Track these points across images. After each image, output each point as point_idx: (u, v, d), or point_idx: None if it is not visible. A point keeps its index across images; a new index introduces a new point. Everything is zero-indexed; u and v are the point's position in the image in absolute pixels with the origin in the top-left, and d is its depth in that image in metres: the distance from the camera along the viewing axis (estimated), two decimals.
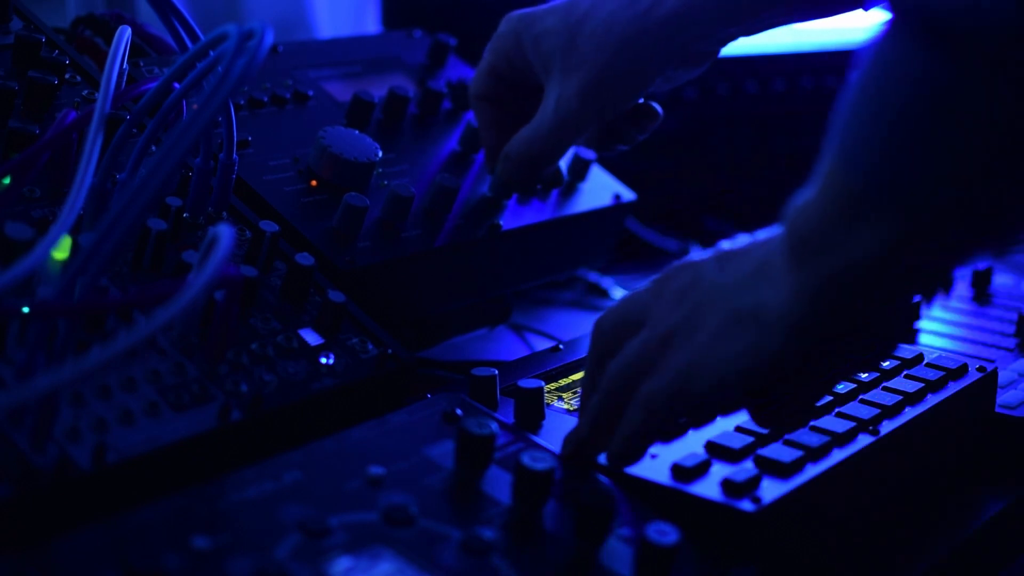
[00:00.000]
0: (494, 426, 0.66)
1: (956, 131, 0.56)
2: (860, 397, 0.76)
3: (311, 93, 0.97)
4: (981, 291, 1.06)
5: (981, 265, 1.07)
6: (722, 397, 0.67)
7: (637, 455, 0.68)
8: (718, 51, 0.90)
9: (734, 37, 0.87)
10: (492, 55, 0.92)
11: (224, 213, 0.80)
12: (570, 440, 0.69)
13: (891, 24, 0.58)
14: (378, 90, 0.99)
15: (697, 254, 0.69)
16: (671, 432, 0.70)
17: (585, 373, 0.72)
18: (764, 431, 0.70)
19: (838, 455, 0.69)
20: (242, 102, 0.93)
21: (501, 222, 0.94)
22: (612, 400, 0.67)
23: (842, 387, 0.77)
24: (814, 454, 0.69)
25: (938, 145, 0.57)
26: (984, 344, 0.94)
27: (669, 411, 0.66)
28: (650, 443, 0.68)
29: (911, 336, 0.96)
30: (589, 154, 1.03)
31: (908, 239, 0.59)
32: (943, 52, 0.56)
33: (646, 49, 0.85)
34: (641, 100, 0.92)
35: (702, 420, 0.71)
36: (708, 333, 0.65)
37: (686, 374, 0.65)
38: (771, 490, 0.65)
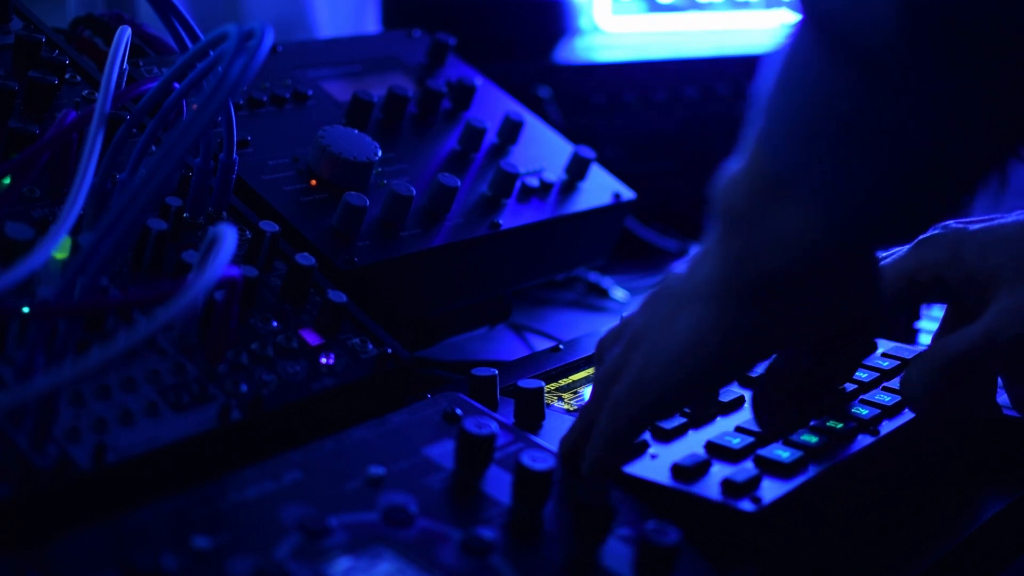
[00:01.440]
0: (494, 426, 0.66)
1: (859, 133, 0.57)
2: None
3: (310, 93, 0.97)
4: None
5: None
6: (680, 387, 0.65)
7: (609, 462, 0.67)
8: None
9: None
10: (913, 264, 0.78)
11: (224, 213, 0.80)
12: (563, 443, 0.70)
13: (800, 24, 0.58)
14: (377, 90, 0.99)
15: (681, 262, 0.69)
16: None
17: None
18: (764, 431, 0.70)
19: (838, 455, 0.69)
20: (242, 102, 0.93)
21: (501, 221, 0.94)
22: (593, 407, 0.68)
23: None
24: (814, 454, 0.69)
25: (846, 147, 0.58)
26: None
27: (630, 414, 0.66)
28: (623, 449, 0.67)
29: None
30: (589, 153, 1.03)
31: (830, 222, 0.59)
32: (839, 58, 0.56)
33: None
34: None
35: (667, 415, 0.70)
36: (659, 326, 0.65)
37: (641, 372, 0.65)
38: (771, 490, 0.65)
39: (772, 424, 0.70)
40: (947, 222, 0.78)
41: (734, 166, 0.63)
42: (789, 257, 0.61)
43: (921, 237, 0.78)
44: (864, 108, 0.57)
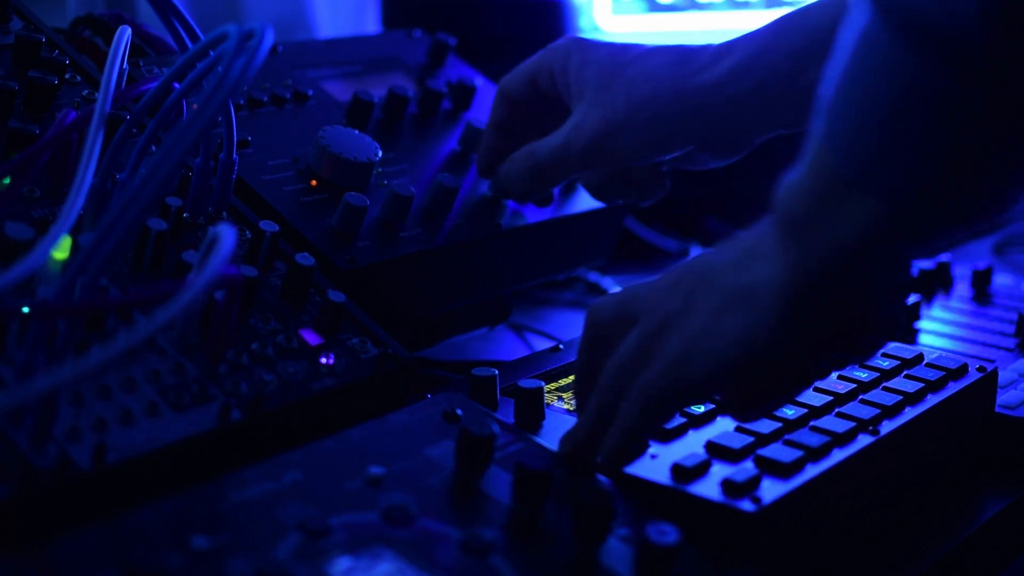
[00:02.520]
0: (494, 426, 0.66)
1: (934, 125, 0.57)
2: (860, 397, 0.76)
3: (311, 93, 0.97)
4: (981, 291, 1.06)
5: (981, 265, 1.07)
6: (718, 383, 0.66)
7: (636, 452, 0.67)
8: (754, 143, 0.86)
9: (773, 128, 0.84)
10: (537, 62, 0.91)
11: (224, 213, 0.80)
12: (567, 440, 0.69)
13: (872, 16, 0.58)
14: (378, 90, 0.99)
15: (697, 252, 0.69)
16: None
17: (578, 361, 0.71)
18: (765, 431, 0.70)
19: (838, 455, 0.70)
20: (242, 102, 0.93)
21: (501, 222, 0.94)
22: (610, 397, 0.67)
23: (842, 387, 0.77)
24: (814, 454, 0.69)
25: (919, 137, 0.58)
26: (984, 344, 0.94)
27: (665, 401, 0.65)
28: (647, 438, 0.68)
29: (911, 336, 0.97)
30: None
31: (893, 220, 0.60)
32: (918, 49, 0.56)
33: (673, 111, 0.84)
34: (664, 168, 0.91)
35: (701, 402, 0.71)
36: (701, 316, 0.65)
37: (681, 361, 0.65)
38: (771, 490, 0.65)
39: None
40: (579, 35, 0.89)
41: (795, 173, 0.63)
42: (849, 262, 0.61)
43: (552, 43, 0.90)
44: (941, 98, 0.57)
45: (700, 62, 0.84)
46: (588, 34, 0.90)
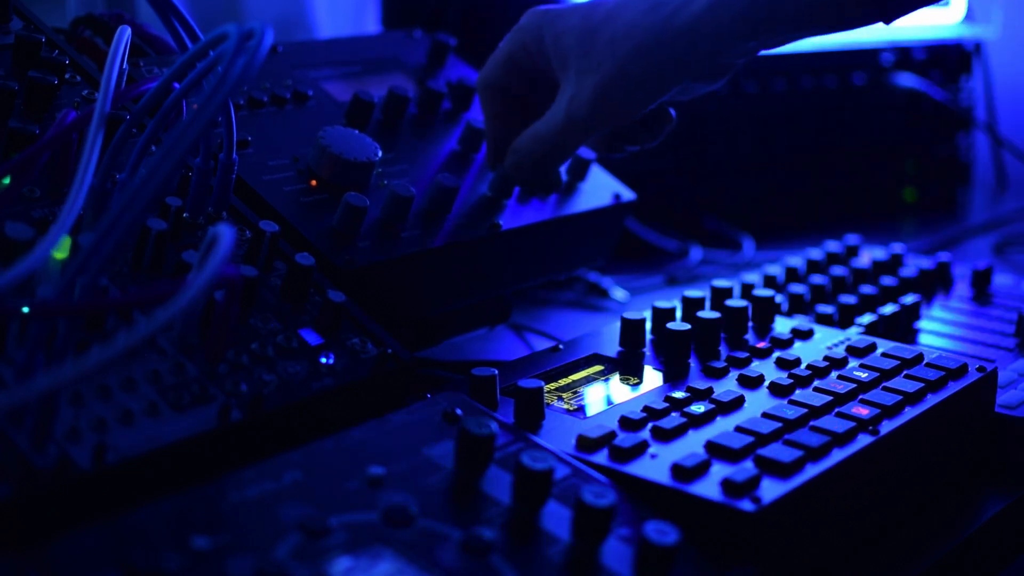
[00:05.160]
0: (494, 426, 0.66)
1: None
2: (860, 397, 0.76)
3: (311, 93, 0.97)
4: (981, 291, 1.06)
5: (981, 265, 1.07)
6: None
7: None
8: (737, 65, 0.89)
9: (754, 52, 0.87)
10: (510, 45, 0.92)
11: (224, 213, 0.80)
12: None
13: None
14: (378, 90, 0.99)
15: None
16: None
17: None
18: (765, 431, 0.70)
19: (838, 455, 0.70)
20: (242, 102, 0.93)
21: (501, 222, 0.94)
22: None
23: (842, 387, 0.77)
24: (814, 454, 0.69)
25: None
26: (984, 344, 0.94)
27: None
28: None
29: (911, 336, 0.97)
30: (589, 154, 1.03)
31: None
32: None
33: (663, 57, 0.85)
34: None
35: None
36: None
37: None
38: (771, 490, 0.65)
39: None
40: (541, 6, 0.91)
41: None
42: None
43: (519, 23, 0.92)
44: None
45: (674, 4, 0.85)
46: (548, 4, 0.91)
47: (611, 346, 0.85)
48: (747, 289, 0.97)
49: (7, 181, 0.71)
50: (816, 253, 1.11)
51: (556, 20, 0.89)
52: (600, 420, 0.74)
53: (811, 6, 0.81)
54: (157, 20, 0.78)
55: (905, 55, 1.56)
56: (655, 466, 0.68)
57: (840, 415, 0.74)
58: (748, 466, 0.67)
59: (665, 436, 0.71)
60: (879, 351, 0.84)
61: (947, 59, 1.61)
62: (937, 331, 0.97)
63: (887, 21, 0.82)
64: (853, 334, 0.88)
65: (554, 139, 0.89)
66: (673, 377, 0.80)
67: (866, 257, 1.11)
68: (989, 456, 0.83)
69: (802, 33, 0.85)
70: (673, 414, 0.73)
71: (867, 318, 0.96)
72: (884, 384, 0.78)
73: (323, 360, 0.73)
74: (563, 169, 1.02)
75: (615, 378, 0.81)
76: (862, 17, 0.83)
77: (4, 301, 0.61)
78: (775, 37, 0.85)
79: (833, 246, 1.11)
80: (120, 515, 0.56)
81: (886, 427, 0.73)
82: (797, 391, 0.77)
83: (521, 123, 0.92)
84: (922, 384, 0.78)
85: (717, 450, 0.69)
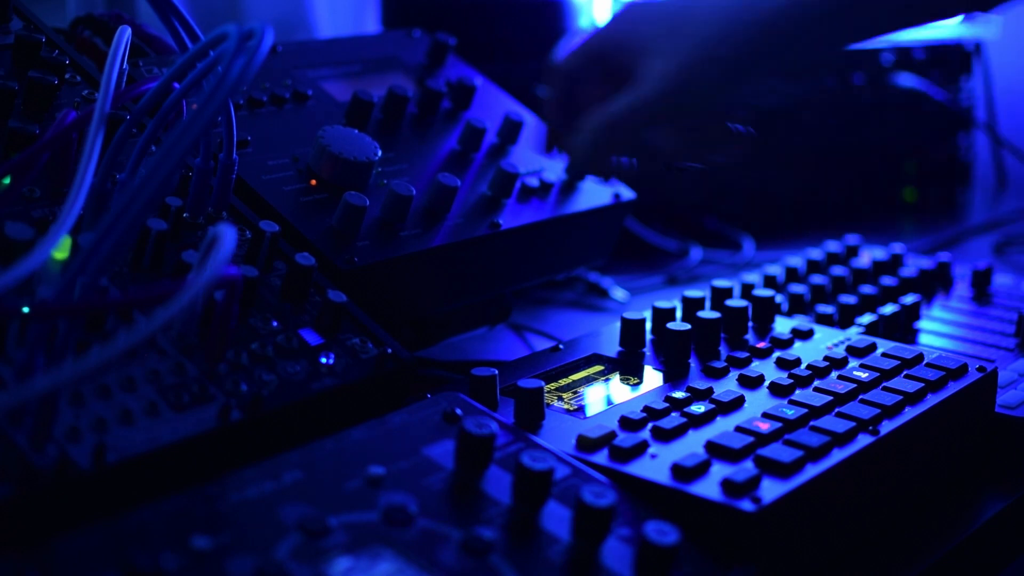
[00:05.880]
0: (494, 426, 0.66)
1: None
2: (860, 397, 0.76)
3: (310, 93, 0.97)
4: (981, 291, 1.06)
5: (981, 265, 1.07)
6: None
7: None
8: (820, 66, 0.89)
9: (845, 44, 0.87)
10: (600, 37, 0.90)
11: (224, 213, 0.80)
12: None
13: None
14: (377, 90, 0.99)
15: None
16: None
17: None
18: (765, 431, 0.70)
19: (838, 455, 0.70)
20: (242, 102, 0.93)
21: (500, 221, 0.94)
22: None
23: (842, 387, 0.77)
24: (814, 454, 0.69)
25: None
26: (984, 344, 0.94)
27: None
28: None
29: (911, 336, 0.97)
30: None
31: None
32: None
33: (753, 40, 0.84)
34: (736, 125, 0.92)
35: None
36: None
37: None
38: (771, 490, 0.65)
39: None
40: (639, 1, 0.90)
41: None
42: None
43: (616, 13, 0.91)
44: None
45: None
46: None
47: (611, 346, 0.85)
48: (747, 289, 0.97)
49: (7, 181, 0.71)
50: (816, 253, 1.11)
51: (648, 8, 0.88)
52: (600, 420, 0.74)
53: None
54: (157, 20, 0.78)
55: (905, 55, 1.56)
56: (655, 466, 0.68)
57: (840, 415, 0.74)
58: (748, 466, 0.67)
59: (665, 436, 0.71)
60: (879, 351, 0.84)
61: (947, 59, 1.61)
62: (937, 331, 0.97)
63: (985, 10, 0.82)
64: (853, 334, 0.88)
65: (621, 117, 0.87)
66: (673, 377, 0.80)
67: (866, 257, 1.11)
68: (989, 456, 0.83)
69: (902, 26, 0.84)
70: (673, 414, 0.73)
71: (867, 318, 0.96)
72: (884, 384, 0.78)
73: (323, 360, 0.73)
74: (563, 168, 1.02)
75: (615, 378, 0.81)
76: (960, 6, 0.82)
77: (4, 301, 0.61)
78: (873, 29, 0.84)
79: (833, 246, 1.11)
80: (120, 515, 0.56)
81: (886, 427, 0.73)
82: (797, 391, 0.77)
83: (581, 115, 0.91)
84: (922, 384, 0.78)
85: (717, 450, 0.69)
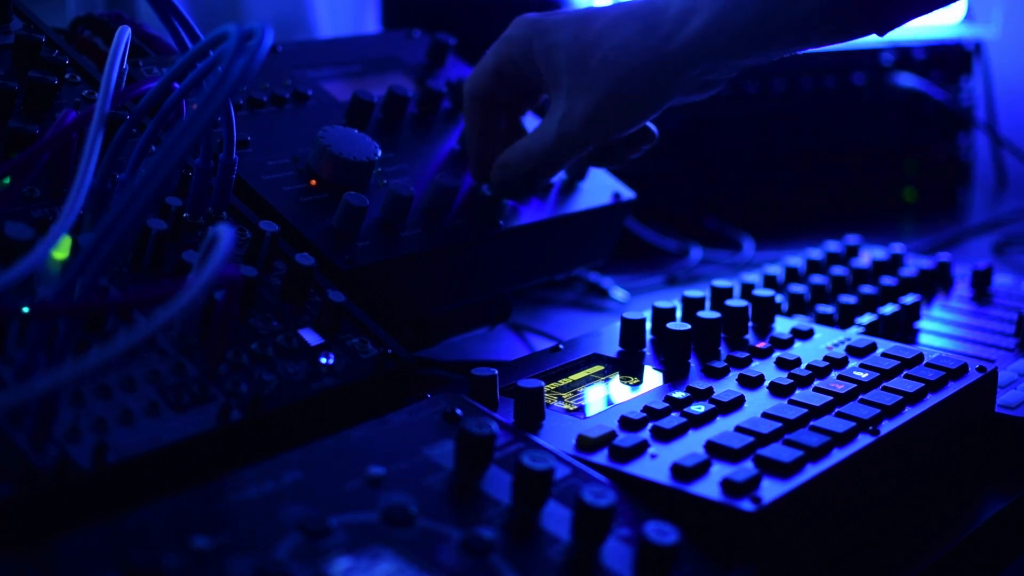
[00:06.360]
0: (494, 426, 0.66)
1: None
2: (860, 397, 0.76)
3: (310, 93, 0.97)
4: (981, 291, 1.06)
5: (981, 265, 1.07)
6: None
7: None
8: (726, 80, 0.90)
9: (747, 66, 0.87)
10: (497, 57, 0.91)
11: (224, 213, 0.80)
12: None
13: None
14: (377, 90, 0.99)
15: None
16: None
17: None
18: (765, 431, 0.70)
19: (838, 455, 0.70)
20: (241, 102, 0.93)
21: (501, 222, 0.94)
22: None
23: (842, 387, 0.77)
24: (814, 454, 0.69)
25: None
26: (984, 344, 0.94)
27: None
28: None
29: (911, 336, 0.97)
30: None
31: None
32: None
33: (658, 79, 0.85)
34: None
35: None
36: None
37: None
38: (771, 490, 0.65)
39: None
40: (530, 15, 0.90)
41: None
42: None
43: (507, 32, 0.91)
44: None
45: (668, 24, 0.85)
46: (537, 12, 0.91)
47: (611, 346, 0.85)
48: (747, 289, 0.97)
49: (7, 181, 0.71)
50: (816, 253, 1.11)
51: (547, 32, 0.89)
52: (600, 420, 0.74)
53: (804, 22, 0.82)
54: (157, 20, 0.78)
55: (905, 55, 1.56)
56: (655, 466, 0.68)
57: (840, 415, 0.74)
58: (748, 466, 0.67)
59: (665, 436, 0.71)
60: (879, 351, 0.84)
61: (947, 59, 1.61)
62: (937, 331, 0.97)
63: (880, 33, 0.82)
64: (853, 334, 0.88)
65: (544, 156, 0.89)
66: (673, 377, 0.80)
67: (866, 257, 1.11)
68: (989, 456, 0.83)
69: (794, 48, 0.85)
70: (673, 414, 0.73)
71: (867, 318, 0.96)
72: (884, 384, 0.78)
73: (323, 360, 0.73)
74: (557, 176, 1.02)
75: (615, 378, 0.81)
76: (854, 30, 0.83)
77: (4, 301, 0.61)
78: (767, 53, 0.85)
79: (833, 246, 1.11)
80: (120, 515, 0.56)
81: (886, 427, 0.73)
82: (797, 391, 0.77)
83: (505, 135, 0.93)
84: (922, 384, 0.78)
85: (717, 450, 0.69)
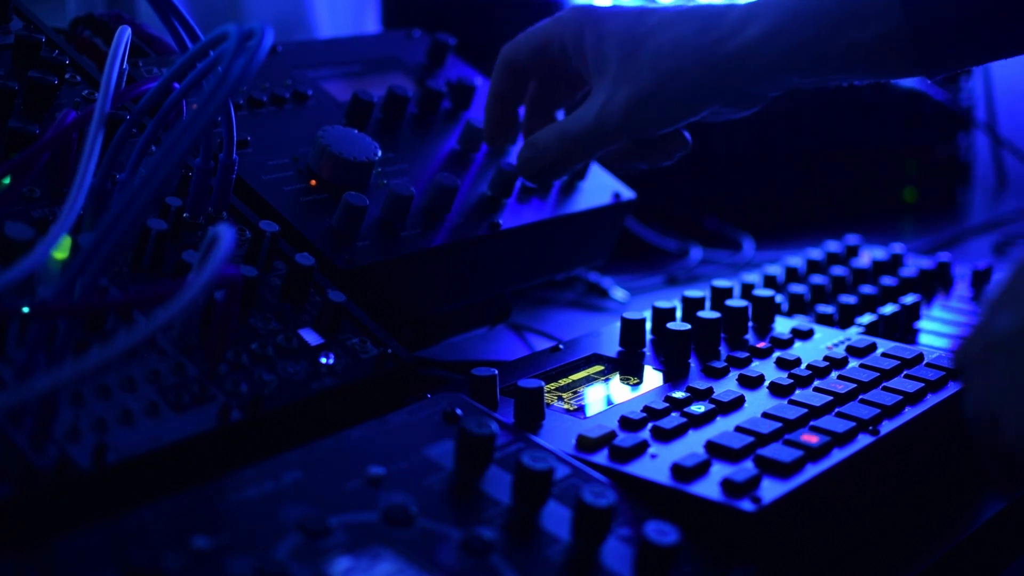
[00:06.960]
0: (494, 426, 0.66)
1: None
2: (860, 397, 0.76)
3: (310, 93, 0.97)
4: (981, 291, 1.06)
5: (981, 265, 1.07)
6: None
7: None
8: (770, 97, 0.88)
9: (792, 86, 0.86)
10: (546, 33, 0.91)
11: (224, 213, 0.80)
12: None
13: None
14: (377, 90, 0.99)
15: None
16: None
17: None
18: (764, 431, 0.70)
19: (838, 455, 0.70)
20: (241, 102, 0.93)
21: (500, 221, 0.94)
22: None
23: (842, 387, 0.77)
24: (814, 454, 0.69)
25: None
26: None
27: None
28: None
29: (911, 336, 0.97)
30: None
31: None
32: None
33: (704, 80, 0.85)
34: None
35: None
36: None
37: None
38: (771, 490, 0.65)
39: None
40: (586, 4, 0.91)
41: None
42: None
43: (561, 13, 0.91)
44: None
45: (725, 28, 0.84)
46: (594, 3, 0.90)
47: (611, 346, 0.85)
48: (747, 289, 0.97)
49: (7, 181, 0.71)
50: (816, 253, 1.11)
51: (601, 21, 0.88)
52: (600, 420, 0.74)
53: (859, 49, 0.81)
54: (157, 20, 0.78)
55: None
56: (655, 466, 0.68)
57: (840, 415, 0.74)
58: (748, 466, 0.67)
59: (665, 436, 0.71)
60: (879, 351, 0.84)
61: None
62: (937, 331, 0.97)
63: (930, 77, 0.82)
64: (853, 334, 0.88)
65: (579, 140, 0.89)
66: (673, 377, 0.80)
67: (866, 257, 1.11)
68: None
69: (839, 76, 0.84)
70: (673, 414, 0.73)
71: (867, 318, 0.96)
72: (884, 384, 0.78)
73: (323, 360, 0.73)
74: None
75: (615, 378, 0.81)
76: (902, 69, 0.82)
77: (4, 301, 0.61)
78: (813, 76, 0.84)
79: (833, 246, 1.11)
80: (120, 515, 0.56)
81: (886, 427, 0.73)
82: (797, 391, 0.77)
83: (532, 110, 0.92)
84: (922, 384, 0.78)
85: (717, 450, 0.69)
